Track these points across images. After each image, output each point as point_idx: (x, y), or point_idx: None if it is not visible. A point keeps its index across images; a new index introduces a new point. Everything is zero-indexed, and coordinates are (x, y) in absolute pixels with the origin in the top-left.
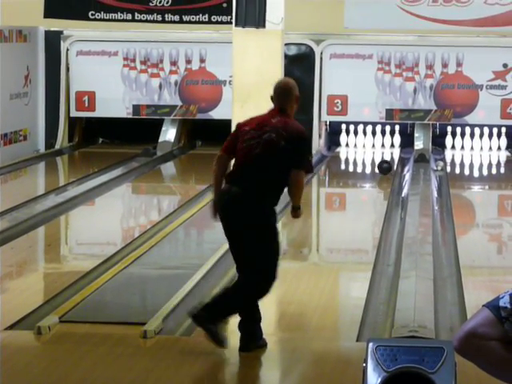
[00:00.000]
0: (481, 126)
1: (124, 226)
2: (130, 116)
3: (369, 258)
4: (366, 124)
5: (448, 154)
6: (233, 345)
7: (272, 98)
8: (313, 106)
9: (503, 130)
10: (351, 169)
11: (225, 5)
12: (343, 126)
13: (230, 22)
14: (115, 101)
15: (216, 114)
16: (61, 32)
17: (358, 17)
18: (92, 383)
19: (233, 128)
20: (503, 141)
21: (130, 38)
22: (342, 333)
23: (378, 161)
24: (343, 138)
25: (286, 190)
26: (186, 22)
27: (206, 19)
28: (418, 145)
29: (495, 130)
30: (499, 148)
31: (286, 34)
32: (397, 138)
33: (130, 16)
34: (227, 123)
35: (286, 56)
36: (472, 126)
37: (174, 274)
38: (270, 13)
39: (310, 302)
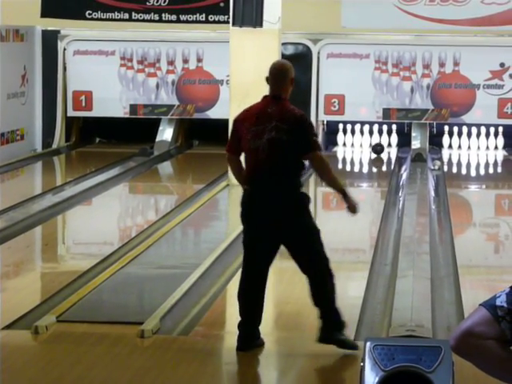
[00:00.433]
0: (478, 126)
1: (121, 226)
2: (127, 115)
3: (366, 257)
4: (363, 123)
5: (445, 153)
6: (230, 344)
7: (267, 79)
8: (310, 106)
9: (500, 129)
10: (348, 168)
11: (222, 4)
12: (340, 126)
13: (227, 22)
14: (112, 100)
15: (213, 113)
16: (58, 31)
17: (355, 16)
18: (89, 383)
19: (230, 127)
20: (500, 140)
21: (127, 38)
22: None
23: (373, 159)
24: (340, 137)
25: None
26: (183, 22)
27: (203, 19)
28: (415, 144)
29: (492, 130)
30: (496, 147)
31: (283, 34)
32: (394, 138)
33: (127, 15)
34: (224, 123)
35: (283, 55)
36: (469, 126)
37: (171, 273)
38: (267, 12)
39: (308, 301)
